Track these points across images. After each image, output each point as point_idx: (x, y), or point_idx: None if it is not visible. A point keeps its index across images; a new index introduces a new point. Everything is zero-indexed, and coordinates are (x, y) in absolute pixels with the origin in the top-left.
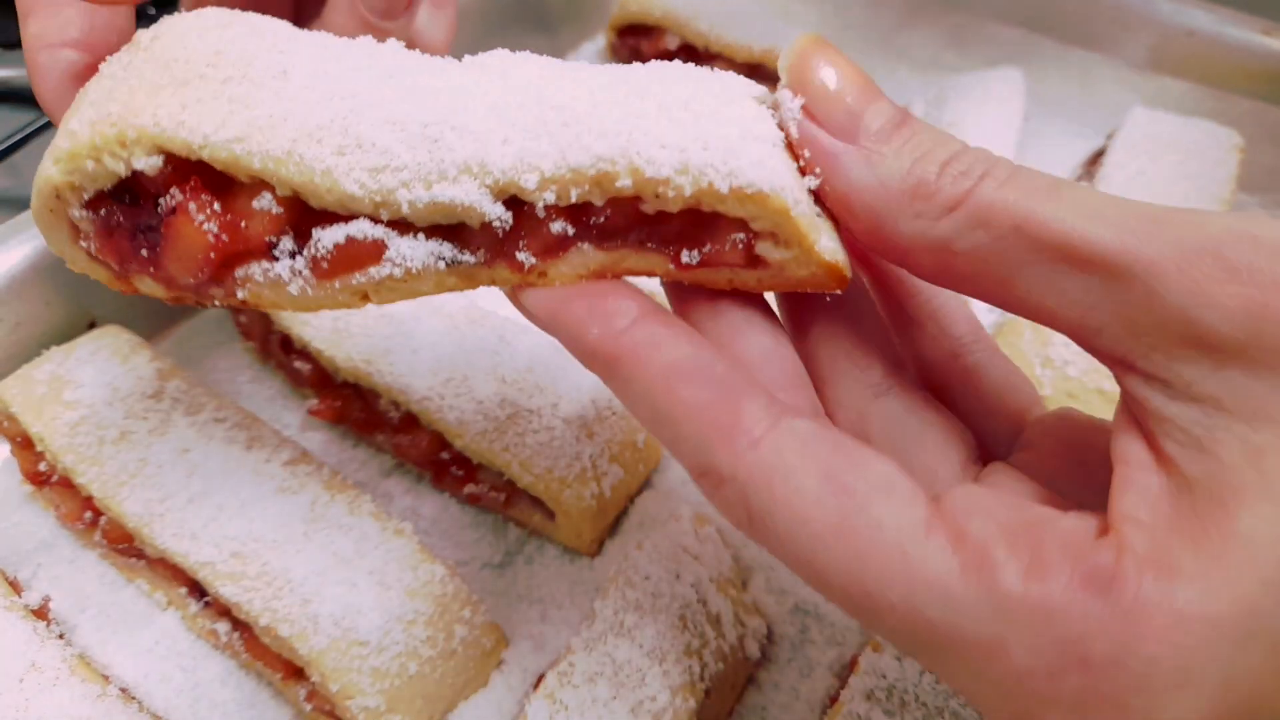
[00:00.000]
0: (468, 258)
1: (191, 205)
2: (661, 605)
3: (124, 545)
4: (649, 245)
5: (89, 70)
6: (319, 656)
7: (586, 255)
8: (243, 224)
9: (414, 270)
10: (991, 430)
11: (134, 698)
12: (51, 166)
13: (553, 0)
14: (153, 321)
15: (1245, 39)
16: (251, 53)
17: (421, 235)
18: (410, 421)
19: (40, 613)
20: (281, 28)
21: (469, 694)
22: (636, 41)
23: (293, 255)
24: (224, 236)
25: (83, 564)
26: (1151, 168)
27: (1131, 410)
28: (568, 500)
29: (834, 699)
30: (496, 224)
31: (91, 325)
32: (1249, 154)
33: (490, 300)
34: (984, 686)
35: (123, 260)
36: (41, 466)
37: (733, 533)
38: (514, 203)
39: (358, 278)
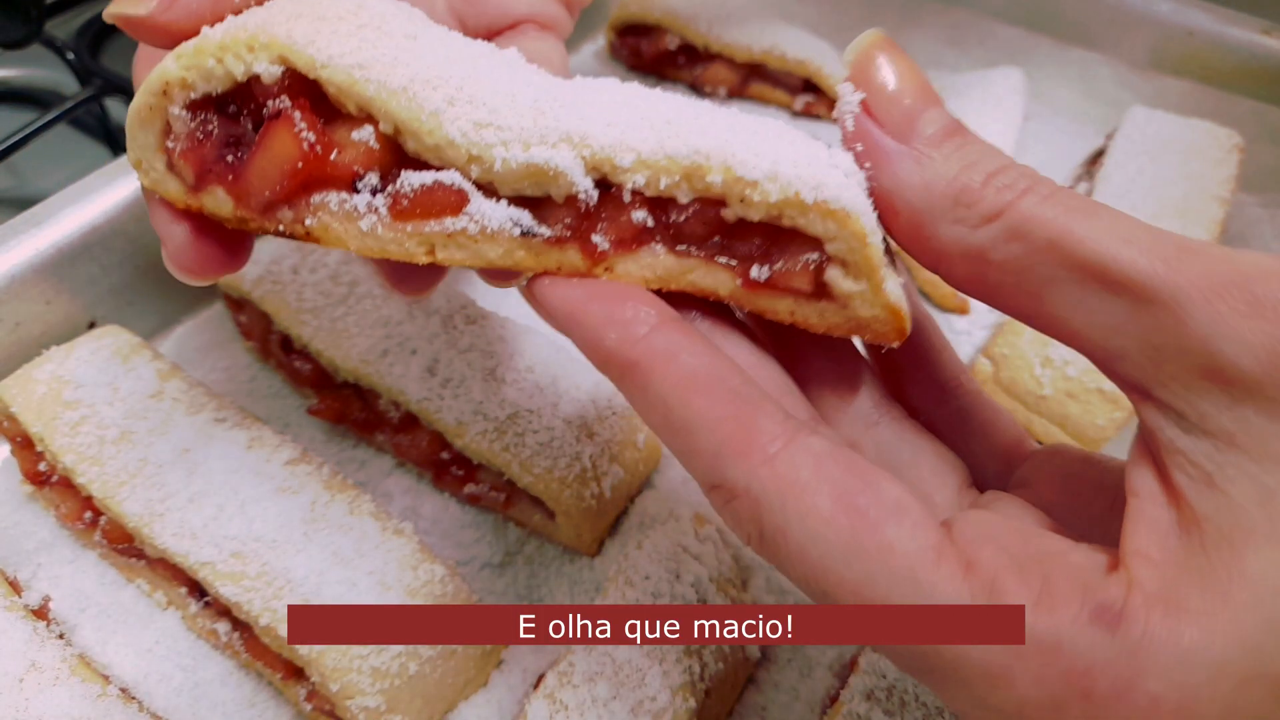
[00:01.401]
0: (544, 230)
1: (297, 113)
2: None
3: (124, 545)
4: (719, 259)
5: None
6: (319, 656)
7: (657, 257)
8: (335, 151)
9: (489, 230)
10: (981, 468)
11: (134, 698)
12: (171, 62)
13: None
14: (153, 321)
15: (1245, 39)
16: (390, 14)
17: (505, 201)
18: (410, 421)
19: (40, 613)
20: (420, 13)
21: (469, 694)
22: (636, 42)
23: (374, 192)
24: (317, 148)
25: (83, 564)
26: (1151, 168)
27: (1146, 441)
28: (568, 500)
29: (834, 699)
30: (582, 198)
31: (91, 325)
32: (1249, 154)
33: (490, 300)
34: (985, 713)
35: (202, 167)
36: (41, 466)
37: (733, 533)
38: (602, 185)
39: (432, 225)
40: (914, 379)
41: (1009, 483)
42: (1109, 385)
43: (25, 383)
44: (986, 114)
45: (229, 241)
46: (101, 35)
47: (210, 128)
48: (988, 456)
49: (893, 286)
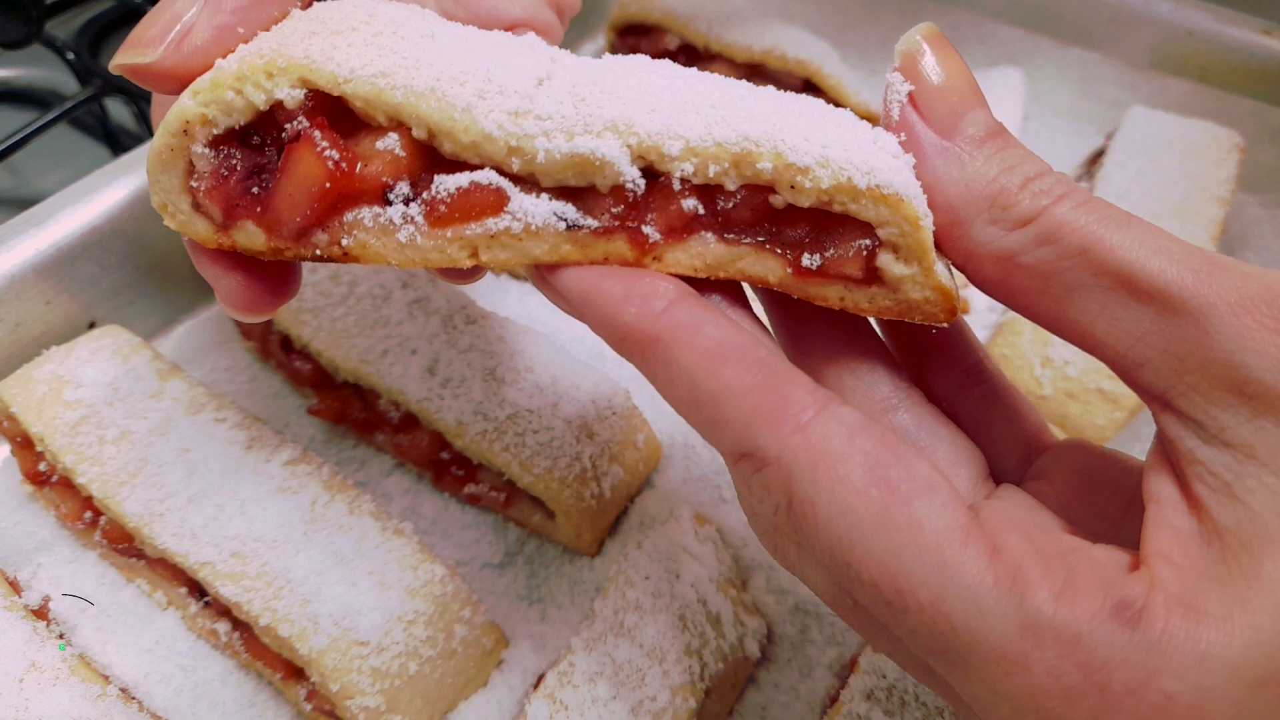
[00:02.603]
0: (590, 222)
1: (316, 132)
2: (661, 605)
3: (124, 545)
4: (768, 246)
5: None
6: (319, 656)
7: (707, 245)
8: (362, 165)
9: (533, 227)
10: (1000, 457)
11: (134, 698)
12: (188, 99)
13: None
14: (153, 321)
15: (1245, 39)
16: (402, 18)
17: (546, 195)
18: (410, 421)
19: (40, 613)
20: (431, 13)
21: (469, 694)
22: (636, 41)
23: (407, 202)
24: (343, 165)
25: (83, 564)
26: (1151, 168)
27: (1165, 450)
28: (568, 500)
29: (834, 699)
30: (630, 187)
31: (91, 325)
32: (1249, 154)
33: (490, 300)
34: (997, 699)
35: (230, 203)
36: (41, 466)
37: (733, 533)
38: (648, 174)
39: (473, 228)
40: (937, 364)
41: (1027, 473)
42: (1109, 385)
43: (25, 383)
44: None
45: (277, 274)
46: (101, 35)
47: (234, 162)
48: (1008, 444)
49: (941, 268)
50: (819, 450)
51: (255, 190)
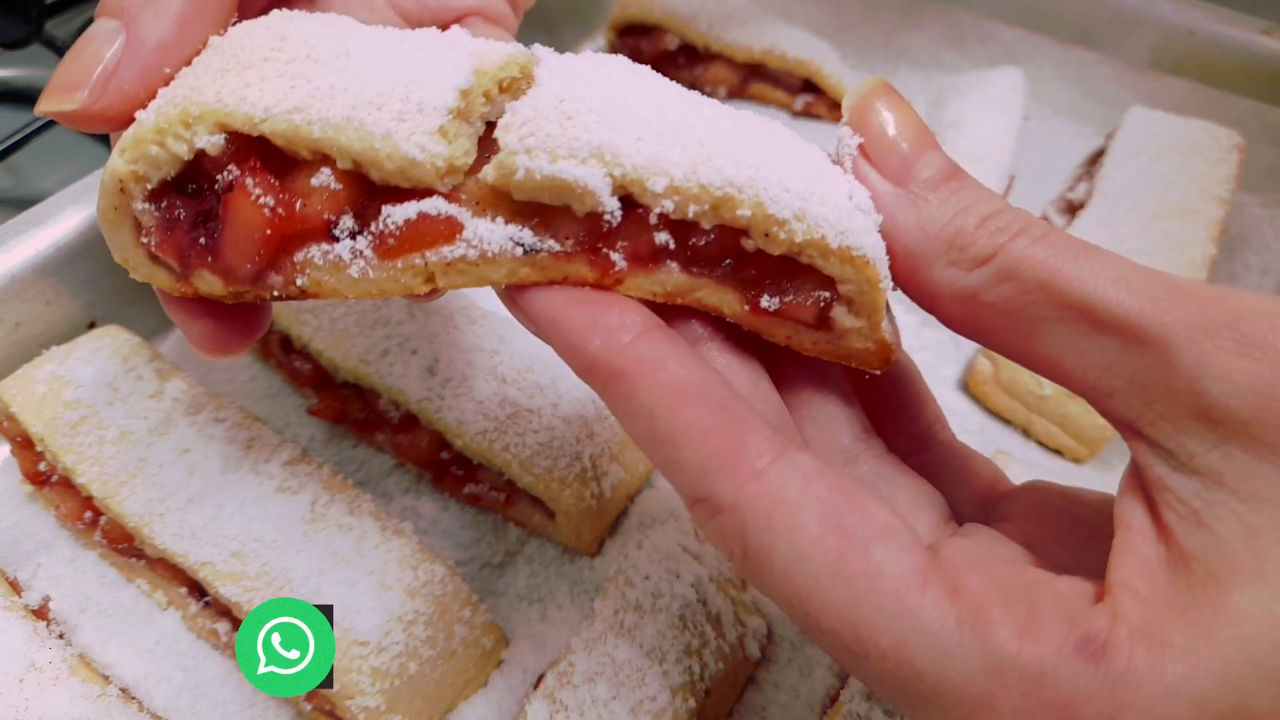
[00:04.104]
0: (551, 245)
1: (249, 180)
2: (661, 605)
3: (124, 545)
4: (729, 282)
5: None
6: None
7: (670, 274)
8: (301, 202)
9: (490, 254)
10: (961, 506)
11: (134, 698)
12: (117, 157)
13: (552, 0)
14: (153, 321)
15: (1245, 39)
16: (316, 37)
17: (500, 219)
18: (410, 421)
19: (40, 613)
20: (347, 20)
21: (469, 694)
22: (636, 42)
23: (354, 235)
24: (280, 211)
25: (83, 564)
26: (1151, 168)
27: (1138, 476)
28: (568, 500)
29: (834, 699)
30: (607, 218)
31: (91, 325)
32: (1249, 154)
33: (490, 300)
34: None
35: (182, 254)
36: (41, 466)
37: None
38: (624, 202)
39: (428, 256)
40: (890, 426)
41: (988, 520)
42: None
43: (25, 383)
44: (986, 114)
45: (244, 315)
46: None
47: (178, 212)
48: (964, 501)
49: (886, 324)
50: (775, 498)
51: (203, 240)
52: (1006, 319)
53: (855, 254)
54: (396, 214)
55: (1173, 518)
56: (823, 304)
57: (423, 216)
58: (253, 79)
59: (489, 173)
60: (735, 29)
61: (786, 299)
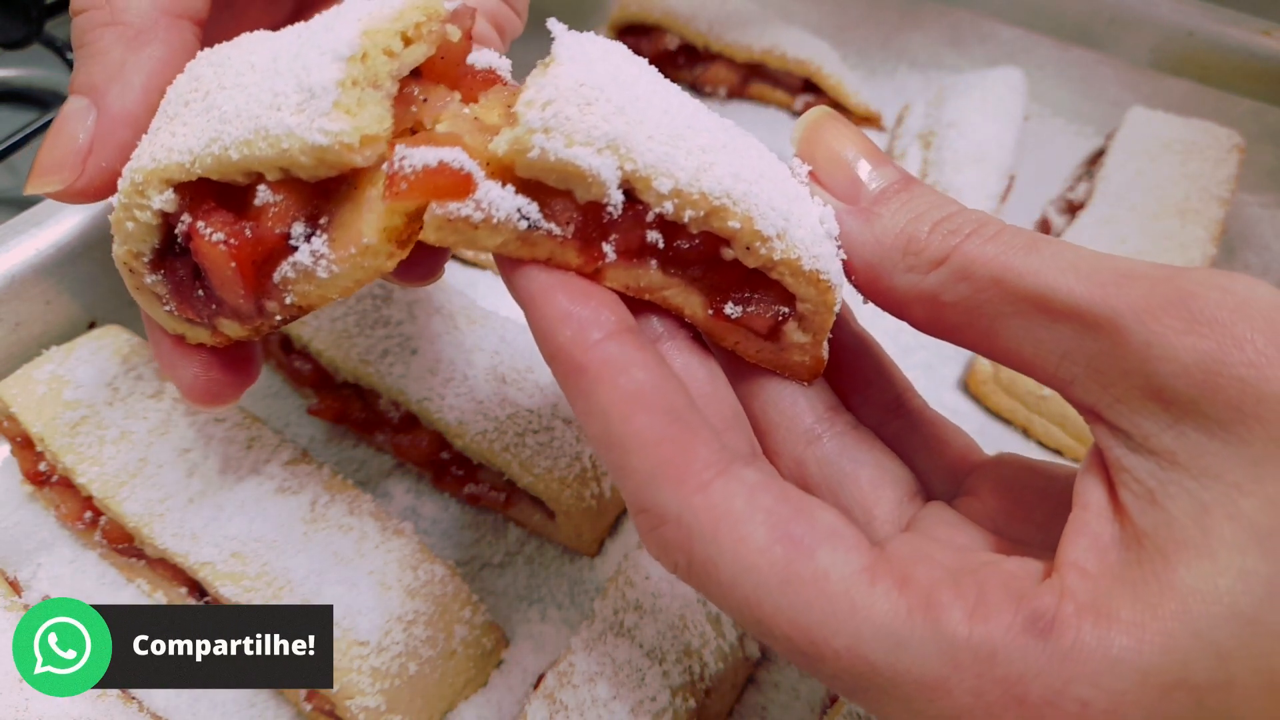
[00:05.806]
0: (553, 228)
1: (199, 223)
2: (661, 605)
3: (124, 545)
4: (698, 286)
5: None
6: None
7: (649, 272)
8: (249, 226)
9: (494, 221)
10: (931, 476)
11: (134, 698)
12: (114, 246)
13: (552, 0)
14: None
15: (1245, 39)
16: (225, 64)
17: (511, 187)
18: (410, 421)
19: None
20: (259, 34)
21: (469, 694)
22: (636, 42)
23: (308, 239)
24: (233, 241)
25: (83, 564)
26: (1151, 168)
27: (1098, 458)
28: (568, 500)
29: (834, 699)
30: (609, 210)
31: (91, 325)
32: (1249, 154)
33: (490, 300)
34: None
35: (196, 310)
36: (41, 466)
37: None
38: (626, 196)
39: (434, 209)
40: (858, 399)
41: (958, 491)
42: None
43: (25, 383)
44: (986, 114)
45: (235, 362)
46: None
47: (180, 274)
48: (934, 470)
49: (826, 343)
50: (720, 511)
51: (201, 291)
52: (968, 317)
53: (822, 278)
54: (415, 156)
55: (1129, 497)
56: (780, 318)
57: (443, 165)
58: (178, 128)
59: (500, 145)
60: (735, 29)
61: (749, 309)
